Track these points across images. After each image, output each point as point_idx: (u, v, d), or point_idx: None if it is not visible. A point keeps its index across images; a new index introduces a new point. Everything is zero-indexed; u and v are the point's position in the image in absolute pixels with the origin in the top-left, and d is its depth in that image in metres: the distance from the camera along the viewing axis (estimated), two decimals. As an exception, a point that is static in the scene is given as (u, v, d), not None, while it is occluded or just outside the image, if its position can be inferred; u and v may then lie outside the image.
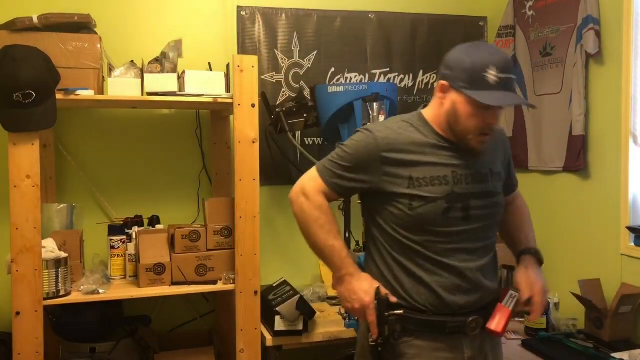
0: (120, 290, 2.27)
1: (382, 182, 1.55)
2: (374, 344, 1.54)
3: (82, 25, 2.28)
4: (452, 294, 1.53)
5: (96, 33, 2.31)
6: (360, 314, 1.54)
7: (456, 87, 1.51)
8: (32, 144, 2.06)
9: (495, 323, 1.55)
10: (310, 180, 1.61)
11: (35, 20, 2.19)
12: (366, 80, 2.99)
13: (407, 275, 1.56)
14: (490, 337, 1.59)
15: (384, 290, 1.53)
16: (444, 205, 1.52)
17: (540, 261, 1.66)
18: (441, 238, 1.53)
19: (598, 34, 2.41)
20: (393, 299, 1.53)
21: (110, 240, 2.42)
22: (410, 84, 3.08)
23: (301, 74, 2.91)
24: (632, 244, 2.27)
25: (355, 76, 2.98)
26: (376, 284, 1.54)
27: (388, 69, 3.04)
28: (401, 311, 1.54)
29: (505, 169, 1.70)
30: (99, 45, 2.25)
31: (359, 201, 1.72)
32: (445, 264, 1.53)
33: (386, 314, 1.53)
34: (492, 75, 1.46)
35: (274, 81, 2.89)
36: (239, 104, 2.26)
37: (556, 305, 2.51)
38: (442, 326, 1.54)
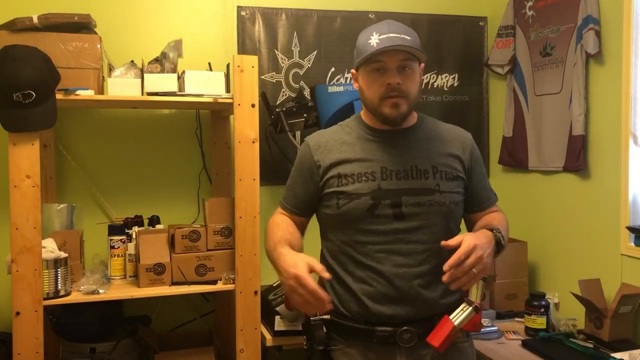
0: (120, 290, 2.27)
1: (321, 186, 1.58)
2: (306, 347, 1.55)
3: (82, 25, 2.28)
4: (378, 303, 1.49)
5: (96, 33, 2.31)
6: (298, 291, 1.35)
7: (356, 68, 1.57)
8: (32, 144, 2.06)
9: (432, 336, 1.44)
10: (275, 212, 1.71)
11: (35, 20, 2.19)
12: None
13: (338, 283, 1.56)
14: (447, 353, 1.48)
15: (318, 266, 1.39)
16: (369, 202, 1.50)
17: (497, 241, 1.47)
18: (371, 237, 1.50)
19: (598, 34, 2.41)
20: (326, 275, 1.41)
21: (110, 240, 2.42)
22: (410, 84, 3.07)
23: (301, 74, 2.91)
24: (632, 244, 2.27)
25: (355, 76, 2.97)
26: (307, 258, 1.39)
27: (388, 69, 3.03)
28: (327, 316, 1.53)
29: (467, 174, 1.61)
30: (99, 45, 2.25)
31: None
32: (376, 270, 1.49)
33: (311, 318, 1.53)
34: (374, 39, 1.49)
35: (274, 81, 2.89)
36: (239, 104, 2.26)
37: (556, 305, 2.51)
38: (370, 335, 1.50)
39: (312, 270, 1.38)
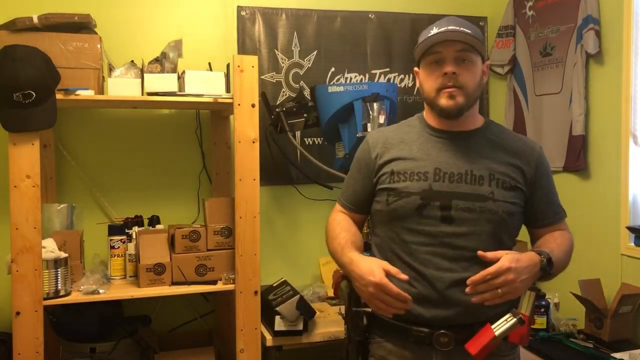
0: (120, 290, 2.27)
1: (375, 182, 1.58)
2: (345, 335, 1.56)
3: (82, 25, 2.28)
4: (418, 305, 1.46)
5: (96, 33, 2.31)
6: (380, 296, 1.39)
7: (417, 65, 1.58)
8: (32, 144, 2.06)
9: (471, 343, 1.41)
10: (334, 208, 1.71)
11: (35, 20, 2.19)
12: (366, 80, 2.99)
13: None
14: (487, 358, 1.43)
15: (393, 269, 1.41)
16: (418, 201, 1.47)
17: (543, 267, 1.42)
18: (417, 237, 1.48)
19: (598, 34, 2.41)
20: (403, 277, 1.41)
21: (110, 240, 2.42)
22: (410, 84, 3.07)
23: (301, 74, 2.91)
24: (632, 244, 2.27)
25: (355, 76, 2.98)
26: (380, 262, 1.44)
27: (388, 69, 3.03)
28: (369, 309, 1.51)
29: (529, 187, 1.55)
30: (99, 45, 2.25)
31: None
32: (419, 272, 1.47)
33: (353, 309, 1.52)
34: (433, 32, 1.51)
35: (274, 81, 2.89)
36: (239, 104, 2.26)
37: (556, 305, 2.51)
38: (406, 333, 1.49)
39: (387, 274, 1.40)
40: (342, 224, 1.62)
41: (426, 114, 1.62)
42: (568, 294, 2.40)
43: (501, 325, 1.41)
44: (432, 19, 3.13)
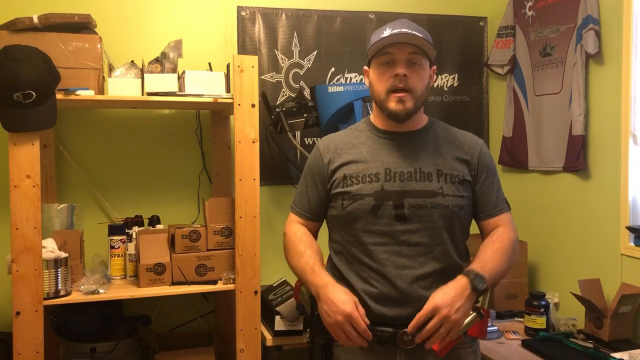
0: (120, 290, 2.27)
1: (329, 189, 1.61)
2: (308, 340, 1.60)
3: (82, 25, 2.28)
4: (380, 304, 1.51)
5: (96, 33, 2.31)
6: (345, 327, 1.46)
7: (368, 63, 1.61)
8: (32, 144, 2.06)
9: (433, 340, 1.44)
10: (288, 219, 1.73)
11: (36, 20, 2.19)
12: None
13: (343, 282, 1.57)
14: (448, 356, 1.49)
15: (361, 309, 1.47)
16: (372, 202, 1.51)
17: (474, 287, 1.44)
18: (373, 238, 1.52)
19: (598, 34, 2.41)
20: (366, 322, 1.46)
21: (110, 240, 2.42)
22: (410, 84, 3.07)
23: (301, 74, 2.91)
24: (632, 244, 2.27)
25: (355, 76, 2.98)
26: (352, 296, 1.49)
27: (388, 69, 3.03)
28: None
29: (475, 179, 1.60)
30: (99, 45, 2.25)
31: None
32: (378, 272, 1.51)
33: (316, 312, 1.55)
34: (386, 34, 1.53)
35: (274, 81, 2.89)
36: (239, 104, 2.26)
37: (556, 305, 2.51)
38: (371, 334, 1.50)
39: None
40: (305, 240, 1.63)
41: (374, 117, 1.66)
42: (568, 294, 2.40)
43: None
44: (432, 19, 3.17)
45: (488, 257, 1.53)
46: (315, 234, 1.71)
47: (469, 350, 1.59)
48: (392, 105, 1.53)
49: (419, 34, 1.52)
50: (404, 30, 1.52)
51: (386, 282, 1.50)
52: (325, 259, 1.69)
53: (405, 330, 1.47)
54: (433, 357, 1.50)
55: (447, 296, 1.42)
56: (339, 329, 1.47)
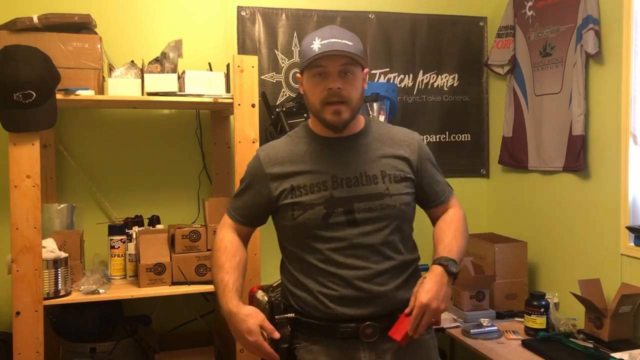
0: (120, 290, 2.27)
1: (274, 199, 1.61)
2: (270, 345, 1.56)
3: (82, 25, 2.28)
4: (341, 306, 1.53)
5: (96, 33, 2.31)
6: (254, 352, 1.52)
7: (300, 72, 1.59)
8: (32, 144, 2.06)
9: (394, 330, 1.49)
10: (222, 221, 1.73)
11: (36, 20, 2.19)
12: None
13: (299, 288, 1.59)
14: (409, 346, 1.51)
15: (268, 327, 1.51)
16: (323, 211, 1.54)
17: (449, 272, 1.51)
18: (327, 244, 1.54)
19: (598, 34, 2.41)
20: (275, 335, 1.51)
21: (110, 240, 2.42)
22: (410, 84, 3.08)
23: (301, 74, 2.91)
24: (632, 244, 2.27)
25: (355, 76, 2.97)
26: (260, 318, 1.51)
27: (388, 69, 3.04)
28: (292, 314, 1.58)
29: (417, 174, 1.64)
30: (99, 45, 2.25)
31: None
32: (336, 275, 1.53)
33: (276, 317, 1.57)
34: (316, 44, 1.51)
35: (274, 81, 2.89)
36: (239, 104, 2.26)
37: (556, 305, 2.51)
38: (333, 332, 1.54)
39: (263, 329, 1.50)
40: (229, 250, 1.64)
41: (312, 123, 1.66)
42: (568, 294, 2.40)
43: None
44: (432, 19, 3.17)
45: (450, 239, 1.60)
46: (246, 239, 1.74)
47: (428, 337, 1.65)
48: (329, 117, 1.54)
49: (349, 43, 1.51)
50: (333, 40, 1.50)
51: (345, 284, 1.53)
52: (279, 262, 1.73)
53: (368, 323, 1.52)
54: (394, 348, 1.54)
55: (431, 291, 1.46)
56: (249, 352, 1.54)
